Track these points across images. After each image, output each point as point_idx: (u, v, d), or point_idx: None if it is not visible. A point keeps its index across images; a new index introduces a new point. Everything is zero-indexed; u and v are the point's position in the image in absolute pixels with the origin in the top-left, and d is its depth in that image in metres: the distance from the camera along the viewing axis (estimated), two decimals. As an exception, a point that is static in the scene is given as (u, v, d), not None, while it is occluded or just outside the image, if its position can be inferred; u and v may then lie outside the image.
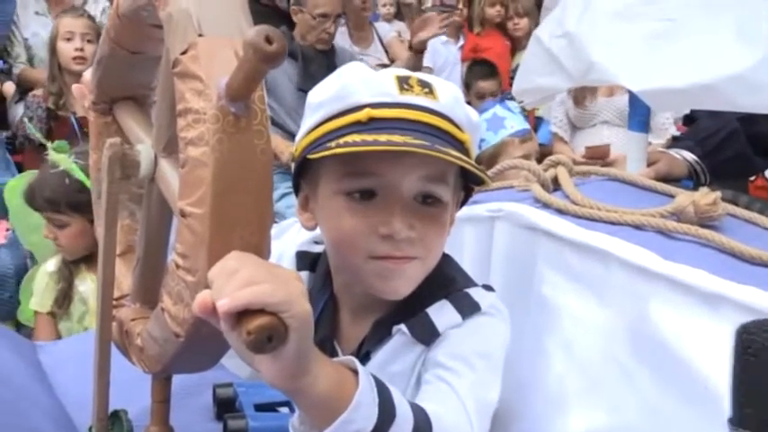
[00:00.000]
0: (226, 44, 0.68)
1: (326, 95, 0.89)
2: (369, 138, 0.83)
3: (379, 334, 0.92)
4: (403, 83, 0.89)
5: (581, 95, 3.37)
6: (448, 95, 0.91)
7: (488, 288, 0.97)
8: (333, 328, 0.97)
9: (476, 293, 0.94)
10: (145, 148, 0.86)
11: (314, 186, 0.93)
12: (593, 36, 1.71)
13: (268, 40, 0.61)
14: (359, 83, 0.88)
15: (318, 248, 1.02)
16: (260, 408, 1.06)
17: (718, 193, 1.28)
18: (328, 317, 0.97)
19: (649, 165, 1.76)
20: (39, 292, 2.20)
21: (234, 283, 0.62)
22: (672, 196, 1.38)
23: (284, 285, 0.63)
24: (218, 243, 0.66)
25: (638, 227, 1.28)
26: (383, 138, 0.83)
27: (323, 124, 0.89)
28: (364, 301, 0.93)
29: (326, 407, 0.68)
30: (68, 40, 3.25)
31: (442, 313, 0.91)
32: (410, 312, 0.91)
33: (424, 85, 0.90)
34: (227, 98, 0.65)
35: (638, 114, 1.83)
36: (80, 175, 2.00)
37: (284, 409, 1.07)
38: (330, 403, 0.68)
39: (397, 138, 0.83)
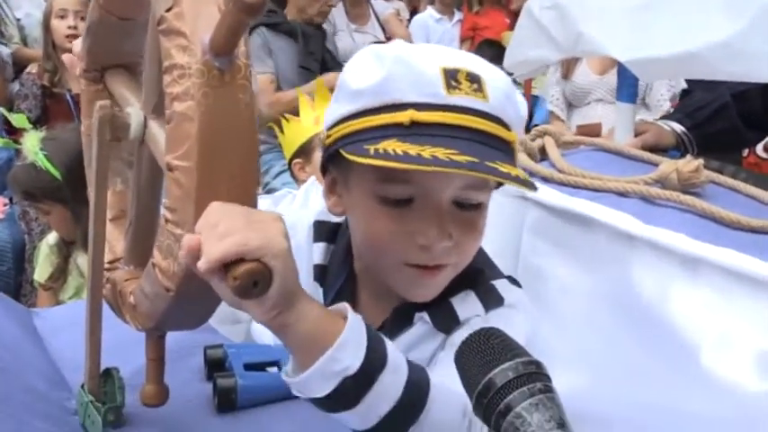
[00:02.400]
0: (210, 1, 0.68)
1: (367, 84, 0.83)
2: (411, 150, 0.77)
3: (400, 321, 0.90)
4: (451, 79, 0.81)
5: (569, 70, 3.42)
6: (498, 92, 0.84)
7: (514, 282, 0.95)
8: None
9: (501, 286, 0.91)
10: (134, 110, 0.87)
11: (345, 176, 0.89)
12: (582, 7, 1.72)
13: None
14: (403, 76, 0.81)
15: (337, 218, 0.98)
16: (249, 367, 1.08)
17: (700, 161, 1.30)
18: (346, 296, 0.94)
19: (637, 135, 1.78)
20: (39, 264, 2.23)
21: (212, 238, 0.63)
22: (657, 165, 1.40)
23: (260, 230, 0.64)
24: (206, 196, 0.67)
25: (621, 194, 1.30)
26: (427, 152, 0.76)
27: (360, 116, 0.83)
28: (386, 286, 0.90)
29: (312, 345, 0.68)
30: (62, 17, 3.24)
31: (465, 304, 0.89)
32: (433, 301, 0.89)
33: (473, 79, 0.82)
34: (211, 53, 0.66)
35: (627, 85, 1.84)
36: (45, 164, 1.98)
37: (273, 369, 1.09)
38: (316, 342, 0.68)
39: (441, 152, 0.76)
